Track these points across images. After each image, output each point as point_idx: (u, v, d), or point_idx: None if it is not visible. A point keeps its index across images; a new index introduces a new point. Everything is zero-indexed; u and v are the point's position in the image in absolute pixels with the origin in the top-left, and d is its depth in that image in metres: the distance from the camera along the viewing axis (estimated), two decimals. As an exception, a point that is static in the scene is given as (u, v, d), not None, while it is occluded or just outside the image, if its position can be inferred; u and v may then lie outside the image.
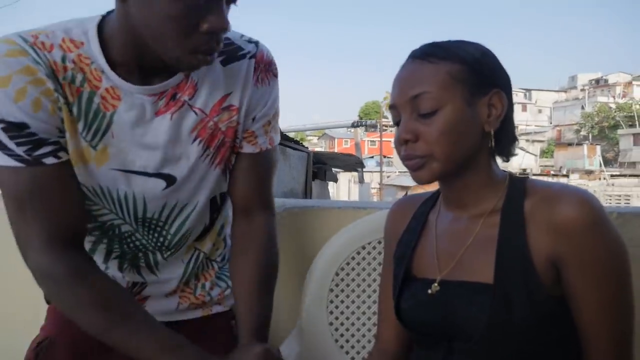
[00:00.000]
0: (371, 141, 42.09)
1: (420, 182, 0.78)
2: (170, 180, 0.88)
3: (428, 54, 0.79)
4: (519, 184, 0.79)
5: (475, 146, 0.78)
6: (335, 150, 38.56)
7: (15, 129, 0.74)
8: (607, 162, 29.35)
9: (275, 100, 0.94)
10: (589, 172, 24.83)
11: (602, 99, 44.90)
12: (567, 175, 22.86)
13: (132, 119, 0.82)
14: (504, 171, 0.84)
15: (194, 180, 0.90)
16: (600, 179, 22.65)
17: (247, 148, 0.93)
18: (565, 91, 52.76)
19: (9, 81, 0.72)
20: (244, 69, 0.88)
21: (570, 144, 31.77)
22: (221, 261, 1.05)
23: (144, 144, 0.83)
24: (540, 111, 51.62)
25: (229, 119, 0.88)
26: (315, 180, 2.53)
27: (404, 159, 0.79)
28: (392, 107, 0.81)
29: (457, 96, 0.76)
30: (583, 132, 42.67)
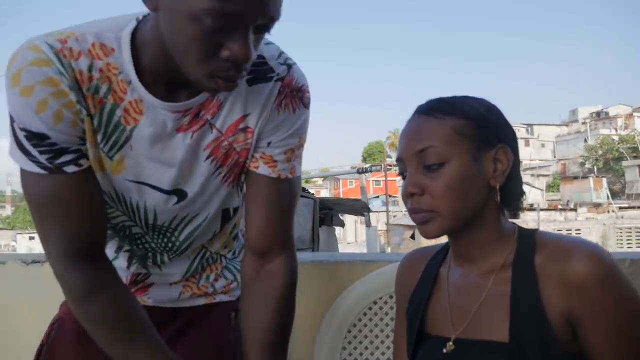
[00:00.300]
0: (376, 181, 42.15)
1: (428, 237, 0.79)
2: (181, 195, 0.87)
3: (433, 109, 0.80)
4: (528, 238, 0.79)
5: (481, 201, 0.78)
6: (340, 191, 38.59)
7: (37, 138, 0.73)
8: (614, 195, 29.16)
9: (300, 130, 0.88)
10: (597, 205, 24.62)
11: (604, 131, 45.10)
12: (574, 209, 22.67)
13: (152, 135, 0.80)
14: (513, 223, 0.84)
15: (206, 195, 0.89)
16: (608, 211, 22.42)
17: (263, 169, 0.88)
18: (567, 125, 53.06)
19: (32, 91, 0.71)
20: (268, 90, 0.84)
21: (575, 177, 31.68)
22: (231, 255, 1.05)
23: (161, 160, 0.83)
24: (543, 145, 51.78)
25: (245, 140, 0.86)
26: (322, 226, 2.53)
27: (411, 212, 0.79)
28: (398, 160, 0.82)
29: (463, 151, 0.77)
30: (588, 165, 42.62)
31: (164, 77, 0.77)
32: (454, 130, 0.77)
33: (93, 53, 0.75)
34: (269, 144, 0.87)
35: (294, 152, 0.89)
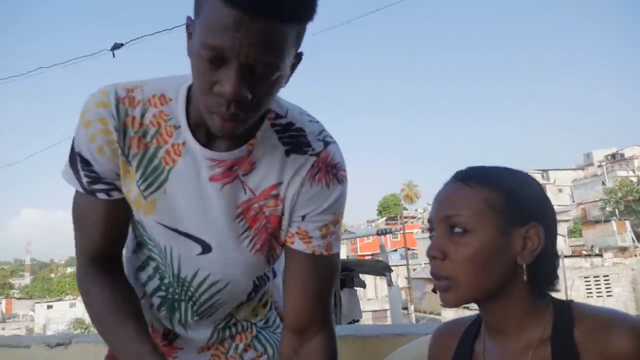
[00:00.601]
0: (393, 234, 41.72)
1: (447, 305, 0.78)
2: (205, 247, 0.89)
3: (469, 177, 0.80)
4: (565, 310, 0.77)
5: (505, 277, 0.77)
6: (358, 246, 38.22)
7: (84, 162, 0.86)
8: (639, 237, 28.39)
9: (334, 206, 0.89)
10: (623, 249, 23.95)
11: (621, 173, 44.55)
12: (600, 255, 22.05)
13: (186, 179, 0.85)
14: (547, 294, 0.81)
15: (230, 258, 0.89)
16: (635, 255, 21.76)
17: (298, 245, 0.89)
18: (583, 168, 52.62)
19: (89, 125, 0.84)
20: (301, 163, 0.87)
21: (597, 221, 31.00)
22: (263, 324, 1.03)
23: (191, 206, 0.86)
24: (560, 190, 51.18)
25: (275, 206, 0.88)
26: (344, 288, 2.48)
27: (432, 275, 0.79)
28: (429, 221, 0.83)
29: (491, 224, 0.76)
30: (608, 208, 41.82)
31: (205, 126, 0.81)
32: (484, 202, 0.77)
33: (151, 102, 0.86)
34: (303, 217, 0.88)
35: (329, 229, 0.90)
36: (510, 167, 0.83)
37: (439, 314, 25.33)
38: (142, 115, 0.85)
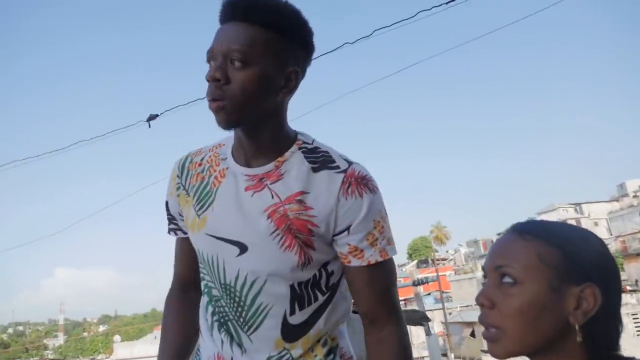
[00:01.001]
0: (425, 278, 40.76)
1: (494, 356, 0.75)
2: (242, 247, 1.02)
3: (526, 230, 0.79)
4: None
5: (555, 334, 0.73)
6: (390, 292, 37.25)
7: (166, 207, 1.19)
8: (686, 269, 26.93)
9: (372, 212, 0.99)
10: (670, 283, 22.68)
11: (659, 202, 42.96)
12: (646, 289, 20.93)
13: (228, 193, 1.04)
14: (611, 350, 0.75)
15: (264, 255, 1.00)
16: (685, 288, 20.57)
17: (354, 262, 1.01)
18: (617, 200, 51.07)
19: (170, 176, 1.17)
20: (330, 179, 0.99)
21: (639, 254, 29.69)
22: None
23: (230, 214, 1.03)
24: (596, 224, 49.57)
25: (298, 210, 0.98)
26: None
27: (480, 323, 0.78)
28: (483, 269, 0.82)
29: (542, 278, 0.74)
30: (649, 240, 40.10)
31: (241, 150, 1.05)
32: (537, 256, 0.75)
33: (211, 150, 1.14)
34: (348, 231, 0.99)
35: (374, 236, 1.00)
36: (573, 225, 0.83)
37: (479, 360, 24.24)
38: (202, 159, 1.13)
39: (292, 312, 1.03)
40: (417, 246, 61.15)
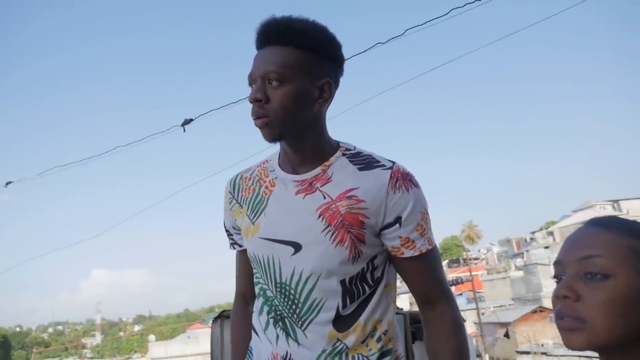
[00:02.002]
0: (457, 277, 40.17)
1: (571, 347, 0.72)
2: (296, 246, 1.09)
3: (611, 223, 0.77)
4: None
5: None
6: (421, 292, 36.82)
7: (224, 223, 1.29)
8: None
9: (419, 204, 1.09)
10: None
11: (703, 198, 41.18)
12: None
13: (280, 199, 1.12)
14: None
15: (317, 252, 1.07)
16: None
17: (407, 253, 1.09)
18: (658, 196, 49.15)
19: (223, 195, 1.27)
20: (376, 175, 1.08)
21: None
22: (375, 358, 1.09)
23: (282, 217, 1.11)
24: (635, 221, 47.79)
25: (349, 205, 1.06)
26: (415, 342, 2.35)
27: (557, 316, 0.74)
28: (557, 263, 0.79)
29: (634, 271, 0.71)
30: (693, 237, 38.41)
31: (287, 159, 1.14)
32: (629, 248, 0.72)
33: (259, 165, 1.23)
34: (400, 224, 1.07)
35: (422, 227, 1.10)
36: None
37: (514, 361, 23.71)
38: (251, 174, 1.23)
39: (344, 306, 1.08)
40: (447, 245, 60.36)
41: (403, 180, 1.07)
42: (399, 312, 2.21)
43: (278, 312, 1.13)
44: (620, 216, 0.80)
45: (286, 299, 1.10)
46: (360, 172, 1.09)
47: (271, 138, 1.07)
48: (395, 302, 1.20)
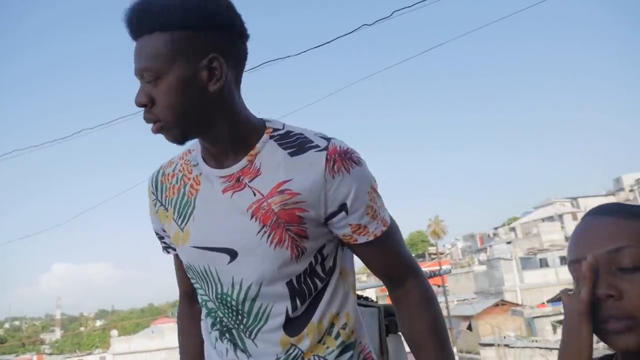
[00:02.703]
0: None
1: (623, 348, 0.67)
2: (232, 253, 0.97)
3: (624, 211, 0.72)
4: None
5: None
6: (387, 286, 37.36)
7: (153, 227, 1.15)
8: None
9: (364, 184, 0.96)
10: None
11: (655, 196, 43.15)
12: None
13: (207, 200, 1.00)
14: None
15: (254, 257, 0.95)
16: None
17: (361, 239, 0.99)
18: (613, 194, 51.28)
19: (147, 193, 1.13)
20: (310, 160, 0.93)
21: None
22: (333, 357, 1.00)
23: (212, 221, 0.98)
24: (592, 218, 49.68)
25: (282, 201, 0.93)
26: (389, 335, 2.32)
27: (603, 320, 0.68)
28: (572, 261, 0.73)
29: None
30: (646, 234, 40.25)
31: (209, 151, 1.00)
32: None
33: (181, 157, 1.08)
34: (346, 211, 0.95)
35: (373, 209, 0.98)
36: None
37: (477, 353, 24.32)
38: (174, 169, 1.07)
39: (295, 309, 0.98)
40: (413, 240, 61.24)
41: (342, 160, 0.93)
42: (372, 304, 2.13)
43: (224, 324, 1.03)
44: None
45: (230, 311, 1.00)
46: (292, 159, 0.94)
47: (175, 141, 0.94)
48: (354, 288, 1.09)
